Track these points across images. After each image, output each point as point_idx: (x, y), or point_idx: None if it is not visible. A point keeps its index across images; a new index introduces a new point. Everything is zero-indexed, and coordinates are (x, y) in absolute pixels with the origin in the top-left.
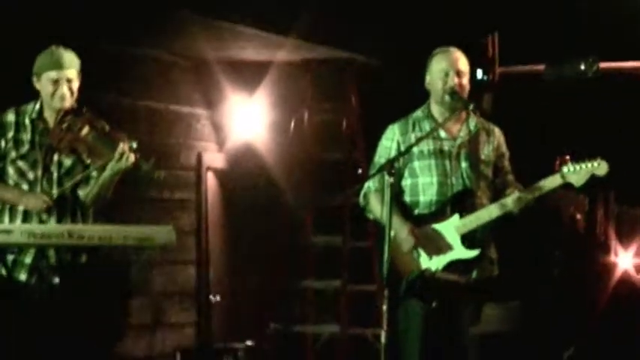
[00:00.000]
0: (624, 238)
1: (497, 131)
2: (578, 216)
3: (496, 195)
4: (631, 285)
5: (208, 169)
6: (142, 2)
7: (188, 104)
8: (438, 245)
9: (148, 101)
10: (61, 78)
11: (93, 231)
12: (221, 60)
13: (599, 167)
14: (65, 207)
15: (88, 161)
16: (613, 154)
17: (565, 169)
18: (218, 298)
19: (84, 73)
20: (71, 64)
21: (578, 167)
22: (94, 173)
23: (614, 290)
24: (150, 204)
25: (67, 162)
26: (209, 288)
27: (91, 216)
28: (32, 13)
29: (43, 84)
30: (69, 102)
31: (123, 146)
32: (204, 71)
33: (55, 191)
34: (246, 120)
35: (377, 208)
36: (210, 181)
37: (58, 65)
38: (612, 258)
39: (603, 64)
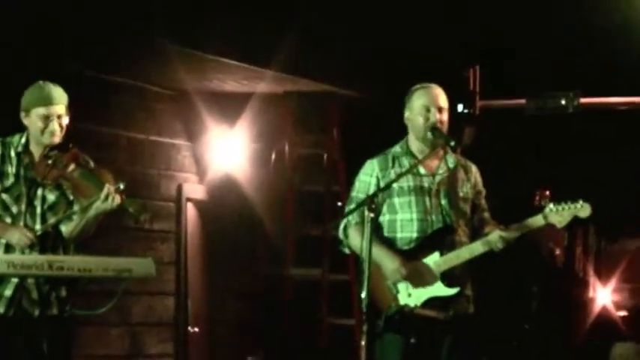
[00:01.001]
0: (603, 274)
1: (474, 168)
2: (557, 251)
3: (473, 232)
4: (609, 321)
5: (188, 200)
6: (123, 32)
7: (169, 135)
8: (421, 281)
9: (129, 131)
10: (52, 114)
11: (72, 262)
12: (202, 91)
13: (582, 209)
14: (47, 242)
15: (72, 197)
16: (593, 189)
17: (547, 209)
18: (196, 329)
19: None
20: (61, 100)
21: (560, 208)
22: (76, 208)
23: (592, 326)
24: (129, 234)
25: (51, 197)
26: (188, 319)
27: (72, 251)
28: (15, 43)
29: (32, 119)
30: (58, 137)
31: (109, 187)
32: (186, 102)
33: (38, 227)
34: (227, 151)
35: (357, 241)
36: (191, 212)
37: (48, 101)
38: (590, 293)
39: (584, 99)
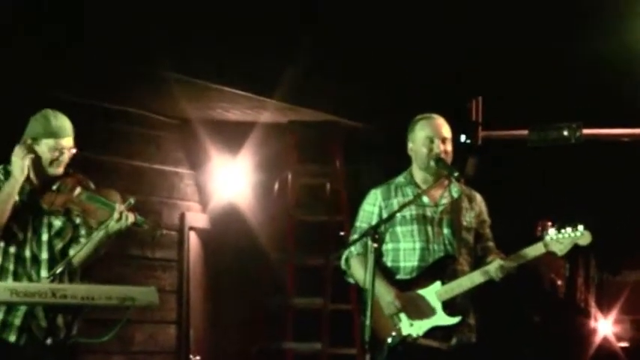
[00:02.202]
0: (604, 306)
1: (478, 198)
2: (559, 281)
3: (477, 261)
4: (610, 352)
5: (191, 228)
6: (126, 61)
7: (172, 163)
8: (420, 311)
9: (132, 159)
10: (63, 147)
11: (76, 290)
12: (205, 120)
13: (583, 237)
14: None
15: (78, 221)
16: (594, 220)
17: (548, 237)
18: (198, 358)
19: None
20: (70, 132)
21: (561, 236)
22: (83, 232)
23: (592, 356)
24: (132, 262)
25: (57, 223)
26: (189, 348)
27: (78, 277)
28: (16, 70)
29: (41, 149)
30: (63, 168)
31: (120, 206)
32: (189, 131)
33: (45, 255)
34: (230, 180)
35: (359, 272)
36: (193, 240)
37: (60, 133)
38: (592, 324)
39: (586, 131)
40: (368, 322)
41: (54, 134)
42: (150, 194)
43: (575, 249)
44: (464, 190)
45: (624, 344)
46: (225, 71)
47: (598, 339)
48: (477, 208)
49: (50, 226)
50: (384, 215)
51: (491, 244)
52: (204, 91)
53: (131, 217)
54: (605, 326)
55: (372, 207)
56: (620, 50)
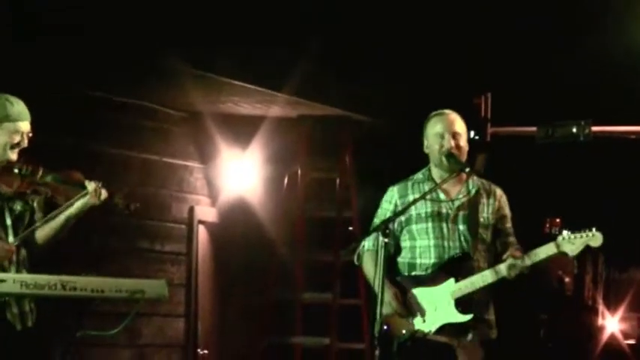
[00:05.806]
0: (611, 303)
1: (498, 192)
2: (567, 279)
3: (496, 257)
4: (617, 349)
5: (200, 222)
6: (138, 54)
7: (182, 157)
8: (433, 308)
9: (142, 153)
10: (24, 131)
11: (85, 282)
12: (216, 114)
13: (594, 238)
14: (19, 253)
15: (35, 205)
16: (603, 217)
17: (560, 237)
18: (206, 351)
19: (78, 122)
20: (29, 116)
21: (573, 237)
22: (39, 215)
23: (600, 353)
24: (140, 255)
25: (18, 207)
26: (197, 341)
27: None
28: (27, 63)
29: (2, 133)
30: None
31: (91, 183)
32: (199, 125)
33: (11, 239)
34: (240, 175)
35: (369, 267)
36: (202, 234)
37: (22, 117)
38: (599, 321)
39: (595, 128)
40: (378, 316)
41: (15, 118)
42: (159, 187)
43: (585, 247)
44: (483, 185)
45: (631, 341)
46: (236, 65)
47: (605, 336)
48: (495, 204)
49: (12, 210)
50: (398, 211)
51: (511, 239)
52: (215, 84)
53: (104, 193)
54: (612, 323)
55: (388, 204)
56: (629, 48)
